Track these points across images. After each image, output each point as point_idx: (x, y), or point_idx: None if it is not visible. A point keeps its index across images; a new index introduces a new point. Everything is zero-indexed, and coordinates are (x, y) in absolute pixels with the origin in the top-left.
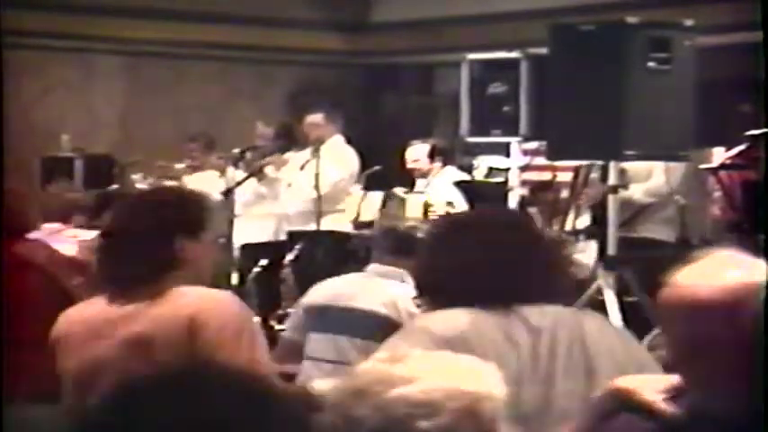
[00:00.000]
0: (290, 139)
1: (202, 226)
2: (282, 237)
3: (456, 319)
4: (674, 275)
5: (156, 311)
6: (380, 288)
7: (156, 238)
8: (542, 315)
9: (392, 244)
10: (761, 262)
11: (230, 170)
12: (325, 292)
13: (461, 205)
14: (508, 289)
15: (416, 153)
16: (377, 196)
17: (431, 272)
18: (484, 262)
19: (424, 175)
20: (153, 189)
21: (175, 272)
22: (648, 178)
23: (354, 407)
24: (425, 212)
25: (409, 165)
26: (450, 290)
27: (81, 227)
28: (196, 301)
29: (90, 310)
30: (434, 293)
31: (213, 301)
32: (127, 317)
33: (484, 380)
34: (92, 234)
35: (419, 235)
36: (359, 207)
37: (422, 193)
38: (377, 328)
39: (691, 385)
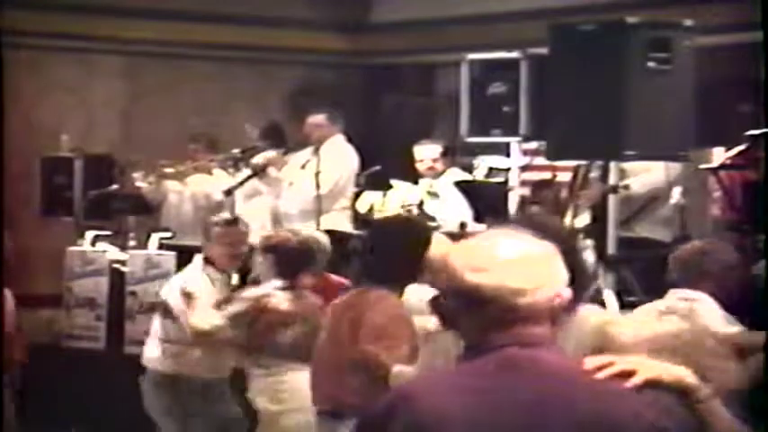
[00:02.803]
0: (278, 138)
1: None
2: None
3: None
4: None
5: None
6: None
7: None
8: None
9: None
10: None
11: (216, 171)
12: None
13: (457, 206)
14: None
15: (433, 152)
16: (375, 196)
17: None
18: None
19: (438, 175)
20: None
21: None
22: (647, 172)
23: None
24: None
25: (426, 164)
26: None
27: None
28: None
29: None
30: None
31: None
32: None
33: None
34: None
35: None
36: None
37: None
38: None
39: None
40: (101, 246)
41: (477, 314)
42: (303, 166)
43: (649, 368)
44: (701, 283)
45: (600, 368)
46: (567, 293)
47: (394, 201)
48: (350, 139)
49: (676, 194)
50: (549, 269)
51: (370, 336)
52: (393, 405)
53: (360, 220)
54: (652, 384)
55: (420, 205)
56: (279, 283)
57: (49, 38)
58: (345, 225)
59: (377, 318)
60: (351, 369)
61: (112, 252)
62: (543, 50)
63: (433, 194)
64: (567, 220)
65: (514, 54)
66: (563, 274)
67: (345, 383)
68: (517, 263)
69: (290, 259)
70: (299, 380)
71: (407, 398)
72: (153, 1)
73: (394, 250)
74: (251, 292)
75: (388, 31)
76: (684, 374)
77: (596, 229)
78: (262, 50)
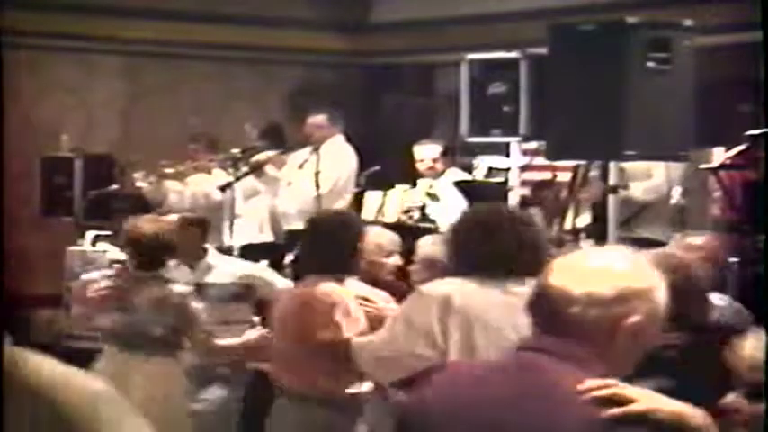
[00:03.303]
0: (278, 138)
1: None
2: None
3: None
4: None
5: None
6: None
7: None
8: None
9: None
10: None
11: (216, 171)
12: None
13: (457, 206)
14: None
15: (434, 152)
16: (376, 196)
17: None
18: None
19: (438, 175)
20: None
21: None
22: (648, 177)
23: None
24: (406, 211)
25: (426, 164)
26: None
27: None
28: None
29: None
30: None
31: None
32: None
33: None
34: None
35: None
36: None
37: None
38: None
39: None
40: (101, 246)
41: (538, 311)
42: (301, 166)
43: (648, 400)
44: None
45: (591, 389)
46: (636, 319)
47: (393, 204)
48: (349, 140)
49: (676, 194)
50: (626, 292)
51: (321, 323)
52: (416, 391)
53: None
54: (644, 417)
55: (422, 209)
56: (109, 270)
57: (49, 38)
58: None
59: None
60: (315, 355)
61: (112, 252)
62: (543, 50)
63: (434, 196)
64: (569, 219)
65: (514, 54)
66: (648, 304)
67: (314, 368)
68: (591, 275)
69: (147, 250)
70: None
71: (427, 383)
72: (153, 1)
73: (329, 243)
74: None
75: (388, 31)
76: (688, 413)
77: (597, 230)
78: (262, 50)
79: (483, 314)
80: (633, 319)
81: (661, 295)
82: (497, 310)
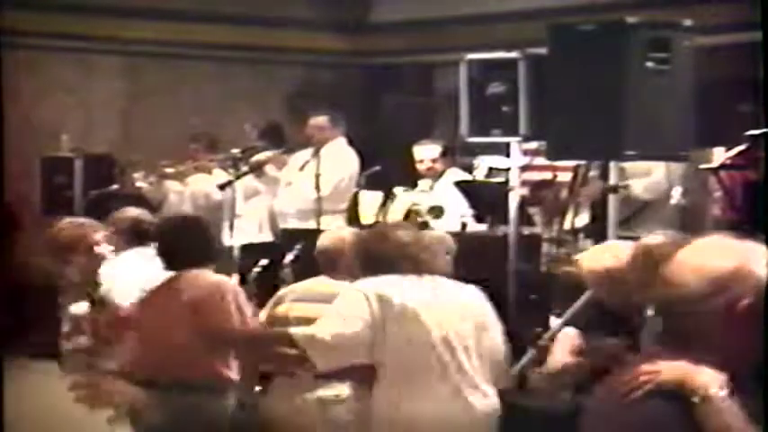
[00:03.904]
0: (278, 138)
1: None
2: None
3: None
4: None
5: None
6: None
7: None
8: None
9: None
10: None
11: (216, 171)
12: None
13: (457, 206)
14: None
15: (433, 153)
16: (376, 196)
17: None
18: None
19: (438, 175)
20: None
21: None
22: (648, 175)
23: None
24: (407, 215)
25: (425, 164)
26: None
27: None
28: None
29: None
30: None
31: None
32: None
33: None
34: None
35: None
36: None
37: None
38: None
39: None
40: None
41: (660, 308)
42: (302, 168)
43: (653, 372)
44: None
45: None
46: (747, 302)
47: (397, 210)
48: (351, 142)
49: (676, 194)
50: (721, 279)
51: (227, 312)
52: None
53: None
54: (656, 387)
55: (425, 225)
56: None
57: (49, 38)
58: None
59: (207, 296)
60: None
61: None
62: (542, 50)
63: (438, 213)
64: (568, 219)
65: (513, 54)
66: (750, 281)
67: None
68: (692, 272)
69: (47, 250)
70: None
71: None
72: (153, 1)
73: (190, 239)
74: None
75: (388, 31)
76: (690, 374)
77: (596, 229)
78: (262, 50)
79: (411, 307)
80: (744, 302)
81: (759, 266)
82: (418, 302)
